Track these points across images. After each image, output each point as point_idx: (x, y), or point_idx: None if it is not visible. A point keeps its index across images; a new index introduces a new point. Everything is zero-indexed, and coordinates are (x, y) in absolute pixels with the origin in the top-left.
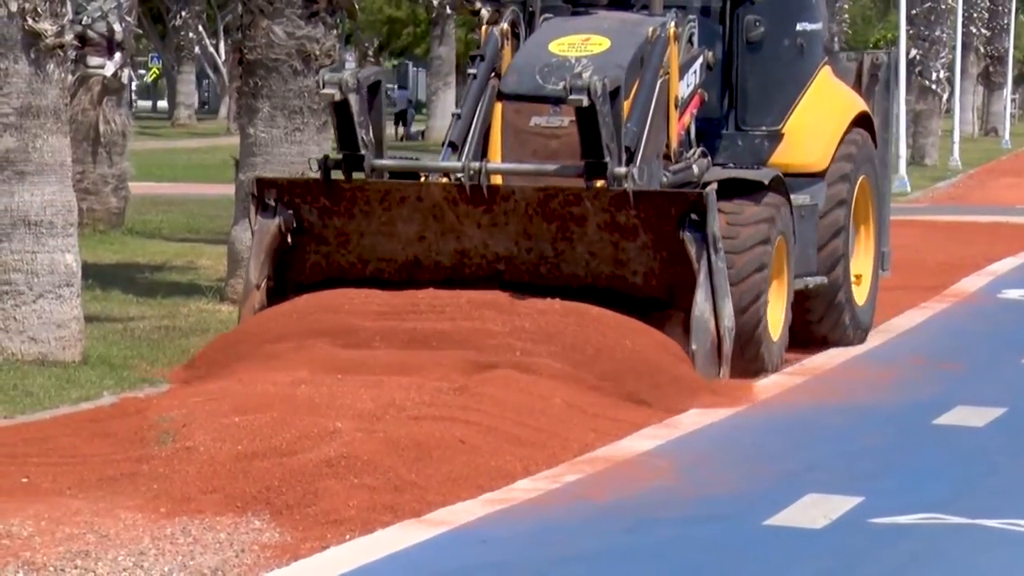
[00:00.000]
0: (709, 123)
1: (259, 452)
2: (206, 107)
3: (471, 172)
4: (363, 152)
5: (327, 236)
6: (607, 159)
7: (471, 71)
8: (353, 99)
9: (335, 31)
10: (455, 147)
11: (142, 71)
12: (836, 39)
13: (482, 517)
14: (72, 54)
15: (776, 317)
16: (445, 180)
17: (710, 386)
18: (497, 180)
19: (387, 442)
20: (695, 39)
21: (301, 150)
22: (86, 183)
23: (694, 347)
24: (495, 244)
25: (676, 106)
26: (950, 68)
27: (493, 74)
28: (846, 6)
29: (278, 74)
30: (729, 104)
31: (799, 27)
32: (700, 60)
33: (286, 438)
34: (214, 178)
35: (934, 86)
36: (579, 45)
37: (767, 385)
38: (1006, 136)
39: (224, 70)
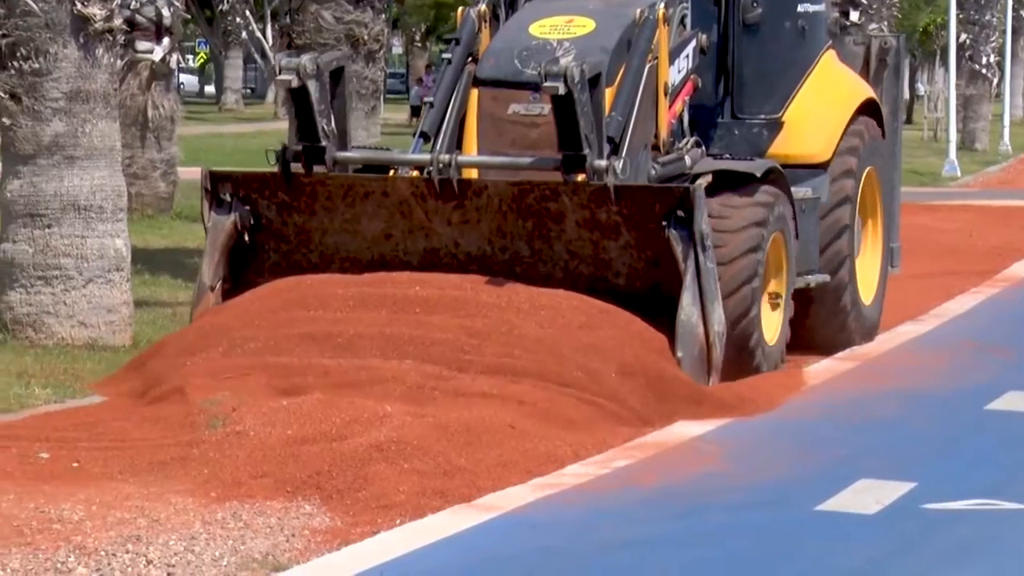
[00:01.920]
0: (703, 111)
1: (309, 437)
2: (253, 92)
3: (440, 165)
4: (324, 143)
5: (287, 234)
6: (586, 151)
7: (445, 56)
8: (313, 86)
9: (383, 16)
10: (427, 138)
11: (189, 56)
12: (887, 24)
13: (532, 502)
14: (121, 39)
15: (773, 320)
16: (416, 174)
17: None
18: (472, 174)
19: (437, 427)
20: (687, 21)
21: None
22: (135, 168)
23: (680, 354)
24: (467, 243)
25: (666, 93)
26: (1000, 52)
27: (470, 59)
28: None
29: None
30: (725, 91)
31: (800, 8)
32: (693, 44)
33: (336, 422)
34: (260, 163)
35: (984, 70)
36: (561, 27)
37: (818, 371)
38: None
39: (271, 55)
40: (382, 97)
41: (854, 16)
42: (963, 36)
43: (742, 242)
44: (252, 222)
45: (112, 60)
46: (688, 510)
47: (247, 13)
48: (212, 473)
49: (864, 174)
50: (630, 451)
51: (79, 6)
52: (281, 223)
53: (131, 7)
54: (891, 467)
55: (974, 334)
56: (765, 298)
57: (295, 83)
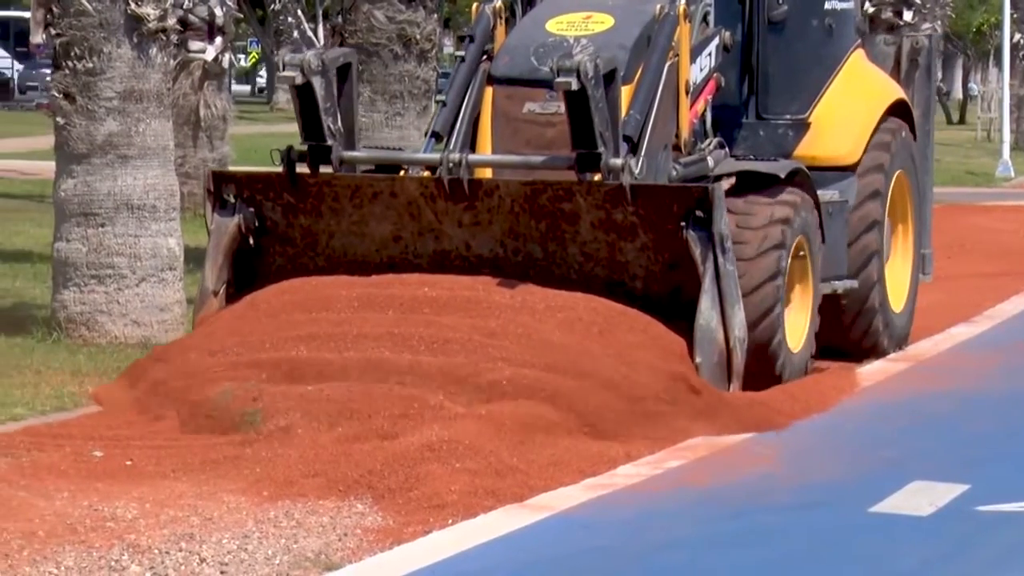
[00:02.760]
0: (727, 111)
1: (360, 435)
2: None
3: (451, 165)
4: (330, 142)
5: (292, 236)
6: (601, 149)
7: (459, 53)
8: (318, 83)
9: (435, 15)
10: (439, 137)
11: (242, 56)
12: (940, 24)
13: (584, 502)
14: (174, 38)
15: (798, 326)
16: (427, 174)
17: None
18: (485, 174)
19: (490, 426)
20: (711, 18)
21: (402, 135)
22: (187, 167)
23: (699, 360)
24: (478, 245)
25: (687, 92)
26: None
27: (485, 56)
28: None
29: (379, 58)
30: (749, 90)
31: (828, 6)
32: (716, 41)
33: (386, 419)
34: None
35: None
36: (579, 24)
37: (871, 372)
38: None
39: None
40: (434, 97)
41: (908, 15)
42: (1017, 36)
43: (765, 239)
44: (257, 224)
45: (165, 59)
46: (740, 511)
47: (299, 12)
48: (264, 472)
49: (894, 176)
50: (682, 452)
51: (133, 6)
52: (287, 225)
53: (184, 7)
54: (944, 469)
55: None
56: (789, 305)
57: (299, 80)
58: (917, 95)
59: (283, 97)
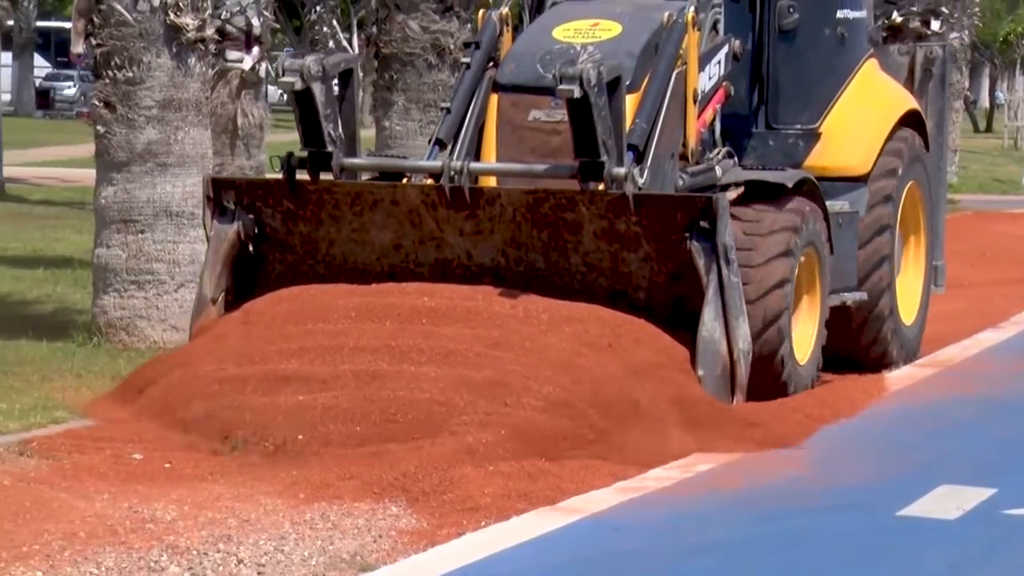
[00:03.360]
0: (736, 120)
1: (394, 437)
2: None
3: (452, 172)
4: (330, 149)
5: (292, 244)
6: (604, 158)
7: (464, 60)
8: (318, 89)
9: (469, 25)
10: (443, 145)
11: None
12: (967, 33)
13: (615, 505)
14: (212, 48)
15: (805, 337)
16: (430, 181)
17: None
18: (490, 182)
19: (521, 430)
20: (720, 26)
21: None
22: (225, 175)
23: (701, 372)
24: (480, 254)
25: (695, 100)
26: None
27: (491, 64)
28: (976, 1)
29: (413, 68)
30: (759, 99)
31: (840, 15)
32: (725, 49)
33: (417, 417)
34: None
35: None
36: (586, 31)
37: (899, 376)
38: None
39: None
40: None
41: (935, 25)
42: None
43: (773, 245)
44: (256, 231)
45: (204, 69)
46: (771, 514)
47: (334, 23)
48: (300, 475)
49: (907, 185)
50: (713, 455)
51: (172, 16)
52: (286, 232)
53: (222, 17)
54: (972, 473)
55: None
56: (796, 315)
57: (299, 85)
58: (931, 106)
59: None
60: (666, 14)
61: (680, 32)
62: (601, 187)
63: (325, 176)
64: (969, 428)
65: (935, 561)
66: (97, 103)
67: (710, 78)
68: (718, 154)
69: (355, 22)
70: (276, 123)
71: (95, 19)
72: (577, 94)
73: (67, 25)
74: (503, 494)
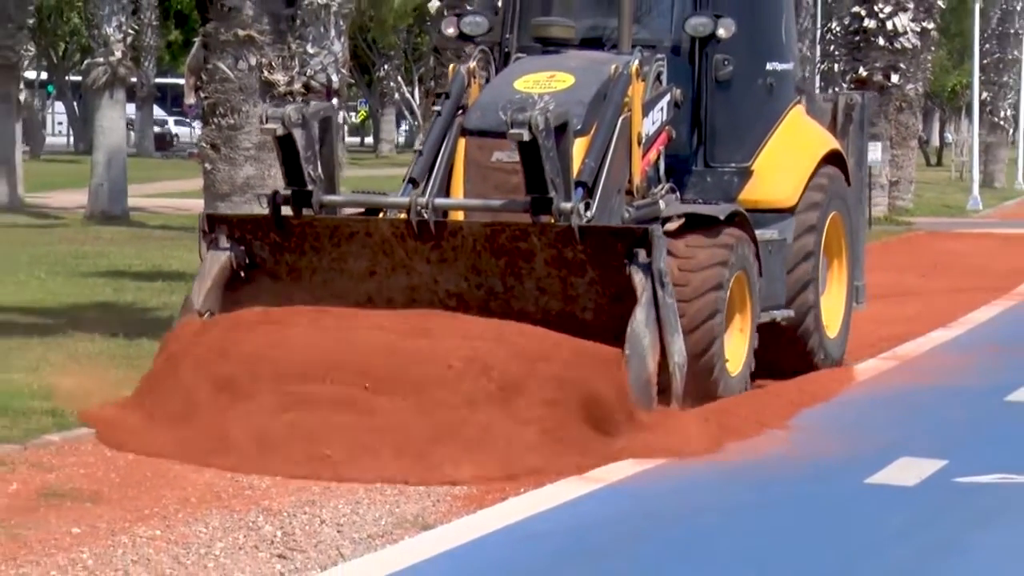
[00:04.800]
0: (679, 160)
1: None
2: (404, 143)
3: (419, 208)
4: (310, 188)
5: (279, 271)
6: (552, 194)
7: (435, 108)
8: (298, 134)
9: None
10: (415, 183)
11: (353, 113)
12: (921, 84)
13: (632, 475)
14: (299, 99)
15: (737, 352)
16: (404, 215)
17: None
18: (458, 215)
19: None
20: (663, 77)
21: None
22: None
23: (627, 351)
24: (444, 280)
25: (640, 143)
26: (1015, 107)
27: (460, 111)
28: (929, 57)
29: None
30: (698, 141)
31: (769, 66)
32: (668, 97)
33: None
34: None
35: (1002, 123)
36: (544, 82)
37: (866, 368)
38: None
39: (418, 112)
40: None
41: (895, 78)
42: (984, 94)
43: (705, 281)
44: (248, 261)
45: None
46: (760, 482)
47: (399, 78)
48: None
49: (829, 216)
50: (714, 436)
51: (266, 74)
52: (274, 262)
53: (307, 74)
54: (928, 447)
55: (995, 338)
56: (729, 331)
57: (280, 131)
58: (851, 146)
59: (386, 147)
60: (613, 66)
61: (625, 82)
62: (552, 219)
63: (308, 211)
64: (925, 411)
65: (897, 520)
66: (205, 145)
67: (654, 123)
68: (662, 190)
69: (417, 78)
70: (351, 160)
71: (203, 76)
72: (526, 138)
73: (180, 81)
74: (535, 468)
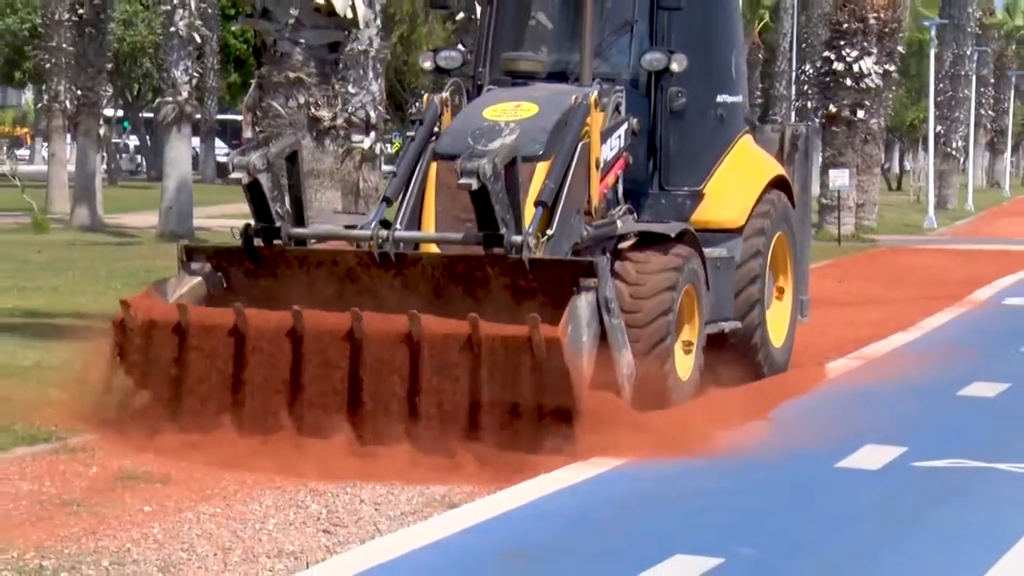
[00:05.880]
0: (636, 183)
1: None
2: None
3: (380, 240)
4: (278, 224)
5: (255, 295)
6: (503, 230)
7: (409, 134)
8: (264, 178)
9: None
10: (389, 202)
11: (388, 144)
12: (884, 119)
13: (628, 462)
14: (341, 132)
15: (687, 359)
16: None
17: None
18: (431, 227)
19: None
20: (622, 108)
21: None
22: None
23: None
24: (408, 306)
25: (598, 167)
26: (965, 139)
27: (433, 137)
28: (890, 96)
29: None
30: (654, 166)
31: (719, 99)
32: (625, 126)
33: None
34: None
35: (954, 152)
36: (510, 111)
37: (836, 367)
38: (1006, 188)
39: None
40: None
41: (860, 114)
42: (939, 128)
43: (656, 306)
44: (225, 286)
45: (335, 148)
46: (743, 467)
47: None
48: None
49: (775, 238)
50: (704, 427)
51: (313, 111)
52: (249, 286)
53: (348, 111)
54: (890, 436)
55: (948, 341)
56: (680, 341)
57: (246, 180)
58: (796, 173)
59: None
60: (574, 96)
61: (585, 111)
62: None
63: (277, 243)
64: (887, 404)
65: (862, 499)
66: None
67: (612, 149)
68: (620, 211)
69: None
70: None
71: (258, 113)
72: (475, 186)
73: (239, 117)
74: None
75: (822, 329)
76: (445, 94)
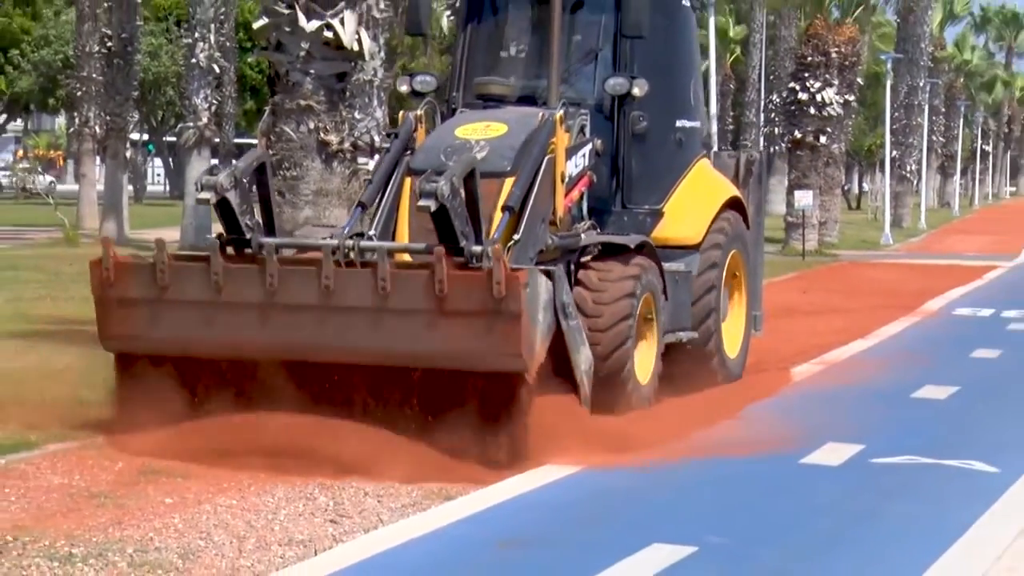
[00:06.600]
0: (600, 201)
1: None
2: None
3: (346, 250)
4: (248, 236)
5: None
6: (463, 243)
7: (385, 145)
8: (232, 195)
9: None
10: (364, 207)
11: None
12: (844, 144)
13: (609, 459)
14: (348, 155)
15: (646, 364)
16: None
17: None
18: (404, 237)
19: None
20: (587, 129)
21: None
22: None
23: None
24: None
25: (563, 181)
26: (919, 163)
27: (408, 152)
28: (850, 123)
29: None
30: (617, 185)
31: (678, 124)
32: (589, 146)
33: None
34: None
35: (908, 175)
36: (480, 130)
37: (800, 371)
38: (956, 208)
39: None
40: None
41: (823, 139)
42: (894, 152)
43: (620, 289)
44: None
45: (343, 169)
46: (713, 461)
47: None
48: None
49: (730, 254)
50: (683, 426)
51: (322, 135)
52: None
53: (355, 135)
54: (850, 434)
55: (903, 348)
56: (639, 347)
57: (213, 200)
58: (751, 195)
59: None
60: (541, 115)
61: (550, 129)
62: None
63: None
64: (847, 405)
65: (824, 493)
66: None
67: (576, 166)
68: (584, 226)
69: None
70: None
71: (272, 137)
72: (434, 207)
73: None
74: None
75: (788, 336)
76: (420, 112)
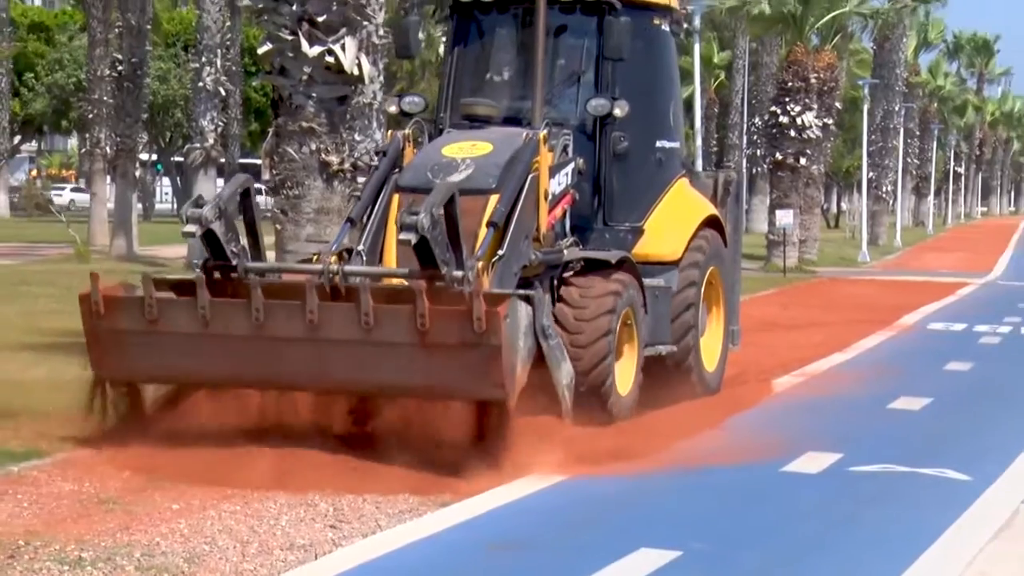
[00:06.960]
0: (582, 219)
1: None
2: None
3: (330, 275)
4: (234, 262)
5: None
6: (444, 270)
7: (373, 163)
8: (216, 226)
9: None
10: (353, 223)
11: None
12: (824, 165)
13: (599, 467)
14: (348, 175)
15: (626, 376)
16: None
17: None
18: (390, 257)
19: None
20: (569, 149)
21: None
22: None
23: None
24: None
25: (546, 198)
26: (894, 184)
27: (396, 169)
28: (829, 145)
29: None
30: (598, 204)
31: (658, 144)
32: (572, 165)
33: None
34: None
35: (884, 195)
36: (466, 149)
37: (781, 383)
38: (930, 227)
39: None
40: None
41: (803, 161)
42: (871, 174)
43: (600, 304)
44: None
45: (343, 189)
46: (697, 472)
47: None
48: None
49: (708, 271)
50: (666, 436)
51: (323, 156)
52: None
53: (355, 156)
54: (828, 443)
55: (879, 360)
56: (620, 360)
57: (199, 233)
58: (729, 214)
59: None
60: (525, 135)
61: (534, 148)
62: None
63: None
64: (826, 415)
65: (804, 501)
66: (277, 210)
67: (559, 184)
68: (567, 242)
69: None
70: None
71: (275, 157)
72: (414, 240)
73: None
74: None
75: (769, 349)
76: (408, 130)
